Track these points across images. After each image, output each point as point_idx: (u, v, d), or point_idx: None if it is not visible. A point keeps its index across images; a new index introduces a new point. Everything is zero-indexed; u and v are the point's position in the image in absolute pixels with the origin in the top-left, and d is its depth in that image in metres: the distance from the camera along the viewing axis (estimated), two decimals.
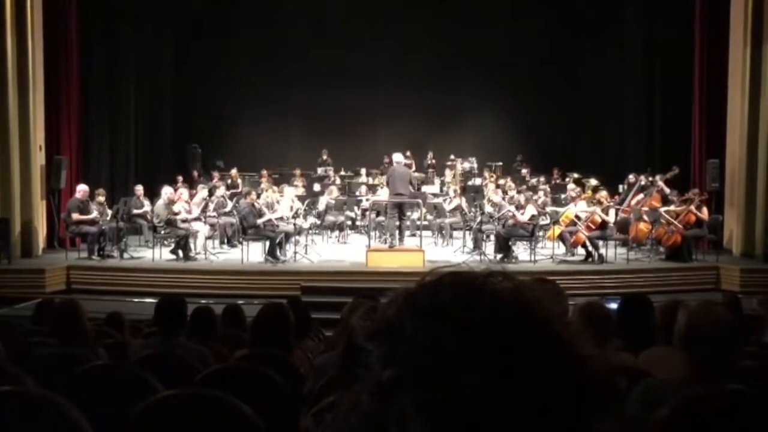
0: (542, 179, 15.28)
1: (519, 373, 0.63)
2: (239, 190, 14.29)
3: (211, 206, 12.71)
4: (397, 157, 11.56)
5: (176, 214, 11.41)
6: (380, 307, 0.73)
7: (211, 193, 13.17)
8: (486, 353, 0.63)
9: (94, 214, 11.42)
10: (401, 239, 11.35)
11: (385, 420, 0.63)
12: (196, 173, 15.73)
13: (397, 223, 11.24)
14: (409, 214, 12.91)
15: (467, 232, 12.59)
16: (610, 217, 11.33)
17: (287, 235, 11.56)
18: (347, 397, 0.68)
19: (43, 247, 12.20)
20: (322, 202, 13.63)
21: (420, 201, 11.76)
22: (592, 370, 0.66)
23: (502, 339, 0.64)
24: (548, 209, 12.55)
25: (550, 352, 0.65)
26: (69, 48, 12.88)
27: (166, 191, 11.63)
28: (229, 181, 14.91)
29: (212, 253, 11.81)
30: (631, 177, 13.63)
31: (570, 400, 0.64)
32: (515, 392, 0.62)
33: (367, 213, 13.09)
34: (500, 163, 16.96)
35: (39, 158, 12.06)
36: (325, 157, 17.15)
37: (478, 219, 11.92)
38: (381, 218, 12.78)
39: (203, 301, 7.59)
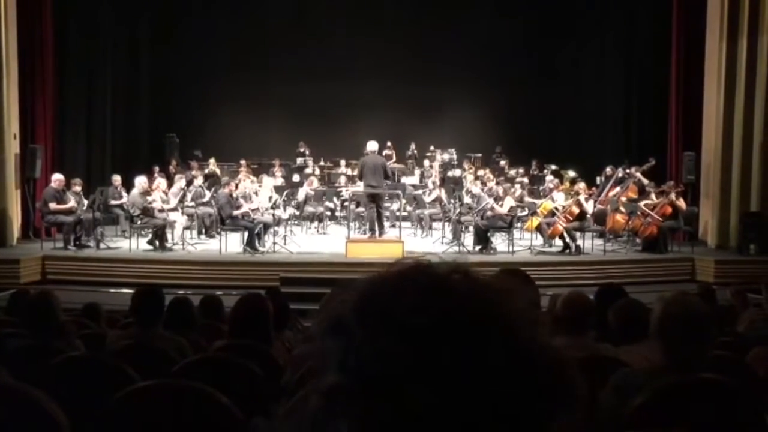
0: (521, 171, 15.38)
1: (469, 386, 0.61)
2: (217, 176, 14.17)
3: (189, 196, 12.61)
4: (371, 146, 11.17)
5: (151, 203, 11.31)
6: (334, 299, 0.70)
7: (189, 183, 13.06)
8: (435, 365, 0.61)
9: (71, 204, 11.29)
10: (381, 230, 11.27)
11: (327, 425, 0.62)
12: (173, 163, 15.58)
13: (375, 214, 11.16)
14: (387, 204, 12.88)
15: (446, 223, 12.63)
16: (589, 207, 11.42)
17: (266, 226, 11.51)
18: (303, 396, 0.67)
19: (18, 237, 12.02)
20: (302, 193, 13.59)
21: (396, 192, 11.66)
22: (552, 376, 0.64)
23: (453, 351, 0.62)
24: (526, 200, 12.64)
25: (504, 362, 0.62)
26: (44, 34, 12.66)
27: (140, 180, 11.52)
28: (207, 171, 14.77)
29: (190, 243, 11.72)
30: (608, 170, 13.77)
31: (524, 408, 0.62)
32: (465, 404, 0.60)
33: (347, 204, 13.06)
34: (479, 155, 17.06)
35: (13, 147, 11.86)
36: (302, 149, 17.07)
37: (457, 210, 11.95)
38: (360, 209, 12.74)
39: (181, 292, 7.55)
